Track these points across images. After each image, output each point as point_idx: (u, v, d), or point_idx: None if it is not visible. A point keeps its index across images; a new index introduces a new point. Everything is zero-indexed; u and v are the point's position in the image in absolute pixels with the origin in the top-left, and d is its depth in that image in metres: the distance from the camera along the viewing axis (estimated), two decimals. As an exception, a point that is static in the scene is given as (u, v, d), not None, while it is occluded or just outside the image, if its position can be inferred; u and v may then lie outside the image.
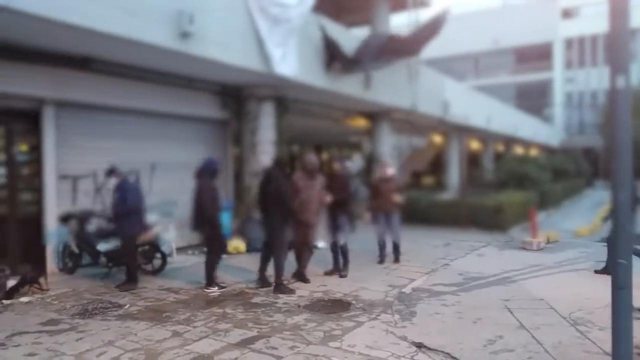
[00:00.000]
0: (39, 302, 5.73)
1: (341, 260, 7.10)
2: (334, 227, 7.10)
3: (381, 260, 7.89)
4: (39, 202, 7.15)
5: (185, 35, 6.88)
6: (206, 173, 6.35)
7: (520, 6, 42.90)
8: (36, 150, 7.11)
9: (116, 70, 7.68)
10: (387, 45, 10.98)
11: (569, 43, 42.82)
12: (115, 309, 5.44)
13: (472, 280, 6.78)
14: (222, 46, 7.63)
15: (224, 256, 8.31)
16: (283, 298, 5.86)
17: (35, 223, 7.11)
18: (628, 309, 2.79)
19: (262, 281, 6.42)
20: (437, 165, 21.79)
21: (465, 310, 5.37)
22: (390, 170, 8.13)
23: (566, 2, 42.15)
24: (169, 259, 7.37)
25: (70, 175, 7.42)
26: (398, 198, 7.85)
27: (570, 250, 9.11)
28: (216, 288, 6.21)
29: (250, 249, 8.66)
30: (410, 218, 10.04)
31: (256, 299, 5.82)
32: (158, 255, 7.17)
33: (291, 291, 6.08)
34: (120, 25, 6.10)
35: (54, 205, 7.15)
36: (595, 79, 40.53)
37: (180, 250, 8.44)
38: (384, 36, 11.29)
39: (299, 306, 5.51)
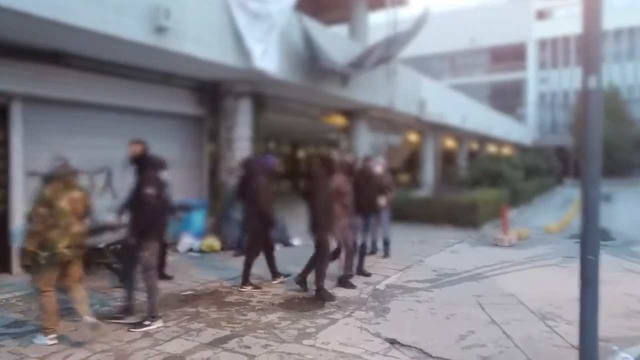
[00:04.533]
0: (2, 303, 5.55)
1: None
2: (365, 227, 7.22)
3: (371, 252, 8.01)
4: (5, 200, 6.93)
5: (160, 30, 6.75)
6: (262, 170, 6.35)
7: (496, 6, 43.58)
8: (3, 146, 6.89)
9: (89, 65, 7.49)
10: (385, 51, 11.29)
11: (542, 44, 43.75)
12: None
13: (445, 276, 6.87)
14: (199, 41, 7.52)
15: (198, 254, 8.26)
16: (257, 296, 5.82)
17: (1, 222, 6.89)
18: (595, 303, 2.86)
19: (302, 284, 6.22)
20: (413, 163, 21.99)
21: (438, 306, 5.44)
22: (379, 168, 7.83)
23: (540, 4, 43.01)
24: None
25: (39, 173, 7.19)
26: (383, 197, 7.70)
27: (541, 247, 9.32)
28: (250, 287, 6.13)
29: (225, 247, 8.58)
30: (396, 215, 10.06)
31: (230, 298, 5.76)
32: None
33: (331, 297, 5.69)
34: (93, 19, 5.93)
35: (21, 204, 6.92)
36: (567, 79, 41.52)
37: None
38: (384, 43, 11.51)
39: (273, 304, 5.49)
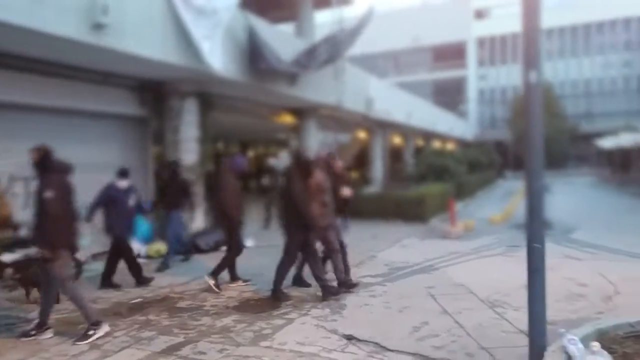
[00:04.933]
0: None
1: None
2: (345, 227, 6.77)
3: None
4: None
5: (98, 27, 6.42)
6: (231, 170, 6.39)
7: (437, 6, 44.93)
8: None
9: (22, 64, 7.03)
10: (331, 50, 11.31)
11: (481, 42, 45.57)
12: (23, 324, 4.98)
13: (397, 270, 7.00)
14: (140, 39, 7.23)
15: (145, 260, 7.95)
16: (211, 300, 5.68)
17: None
18: (543, 289, 2.98)
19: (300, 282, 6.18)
20: (362, 160, 22.27)
21: (392, 299, 5.52)
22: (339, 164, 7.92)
23: (478, 3, 44.75)
24: (85, 267, 6.87)
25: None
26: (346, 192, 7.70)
27: (486, 237, 9.69)
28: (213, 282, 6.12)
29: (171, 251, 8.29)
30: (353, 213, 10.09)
31: (182, 304, 5.59)
32: (71, 263, 6.65)
33: (287, 297, 5.63)
34: (25, 15, 5.56)
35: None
36: (505, 76, 43.45)
37: (99, 256, 7.93)
38: (328, 40, 11.51)
39: (227, 307, 5.37)
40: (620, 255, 7.71)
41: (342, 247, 6.26)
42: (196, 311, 5.27)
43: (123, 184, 6.64)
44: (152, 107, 9.40)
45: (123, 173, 6.66)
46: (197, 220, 9.29)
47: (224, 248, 8.65)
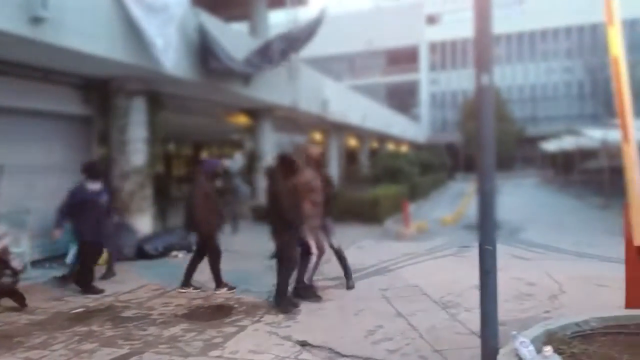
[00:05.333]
0: None
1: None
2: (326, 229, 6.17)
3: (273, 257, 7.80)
4: None
5: (37, 20, 6.02)
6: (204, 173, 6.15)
7: (391, 10, 45.69)
8: None
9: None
10: (284, 49, 11.17)
11: (433, 47, 46.74)
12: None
13: (353, 272, 6.93)
14: (83, 34, 6.84)
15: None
16: (158, 309, 5.43)
17: None
18: (494, 291, 2.99)
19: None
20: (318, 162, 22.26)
21: (347, 303, 5.47)
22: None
23: (430, 9, 45.89)
24: (21, 275, 6.43)
25: None
26: None
27: (439, 238, 9.86)
28: (225, 289, 6.02)
29: (120, 258, 7.89)
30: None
31: (127, 312, 5.30)
32: (7, 271, 6.21)
33: (295, 304, 5.30)
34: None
35: None
36: (455, 80, 44.76)
37: (37, 263, 7.47)
38: (280, 39, 11.36)
39: (176, 316, 5.14)
40: (565, 254, 8.03)
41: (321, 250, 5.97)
42: (142, 320, 5.02)
43: (95, 186, 6.30)
44: (98, 106, 8.95)
45: (94, 174, 6.33)
46: (145, 224, 8.93)
47: (174, 253, 8.43)
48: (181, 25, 8.50)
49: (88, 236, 6.17)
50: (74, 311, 5.39)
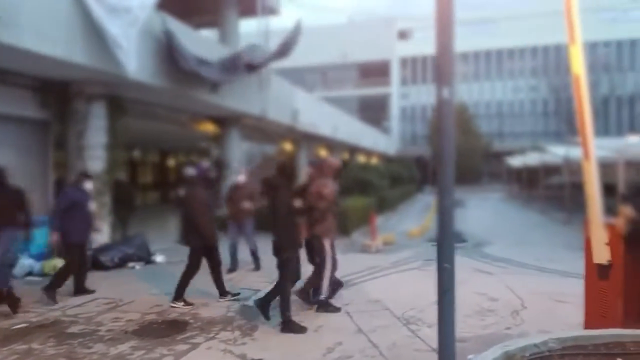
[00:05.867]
0: None
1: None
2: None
3: (232, 269, 7.59)
4: None
5: (-12, 19, 5.73)
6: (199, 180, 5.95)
7: (363, 24, 46.24)
8: None
9: None
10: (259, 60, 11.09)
11: (404, 62, 47.48)
12: None
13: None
14: (40, 35, 6.55)
15: (39, 279, 7.16)
16: (108, 324, 5.13)
17: None
18: (452, 310, 2.89)
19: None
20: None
21: (307, 318, 5.30)
22: (242, 178, 7.96)
23: (402, 24, 46.66)
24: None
25: None
26: (247, 205, 7.64)
27: (405, 251, 9.82)
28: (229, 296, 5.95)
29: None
30: (262, 226, 9.82)
31: (74, 328, 4.99)
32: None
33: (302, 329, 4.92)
34: None
35: None
36: (425, 95, 45.46)
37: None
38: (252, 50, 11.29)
39: (126, 332, 4.86)
40: (528, 269, 8.08)
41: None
42: (89, 337, 4.72)
43: (89, 185, 6.40)
44: (55, 109, 8.59)
45: (87, 173, 6.47)
46: (102, 233, 8.55)
47: (131, 264, 8.10)
48: (146, 29, 8.27)
49: (75, 237, 6.11)
50: (15, 327, 5.04)
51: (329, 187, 5.62)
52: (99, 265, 7.74)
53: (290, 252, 5.08)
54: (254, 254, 7.83)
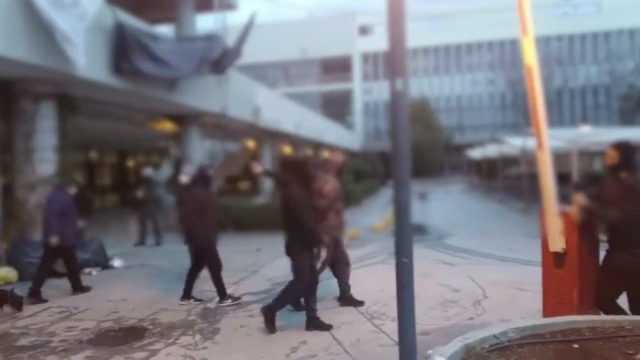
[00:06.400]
0: None
1: None
2: None
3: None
4: None
5: None
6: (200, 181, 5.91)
7: (324, 20, 46.28)
8: None
9: None
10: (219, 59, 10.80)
11: (365, 57, 47.78)
12: None
13: (279, 285, 6.64)
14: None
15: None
16: (61, 334, 4.88)
17: None
18: (412, 305, 2.87)
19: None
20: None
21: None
22: (184, 177, 7.33)
23: (362, 19, 46.93)
24: None
25: None
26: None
27: (369, 246, 9.83)
28: (230, 300, 5.79)
29: (25, 277, 7.12)
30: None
31: (24, 340, 4.72)
32: None
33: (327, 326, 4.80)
34: None
35: None
36: (388, 90, 45.84)
37: None
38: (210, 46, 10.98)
39: (80, 342, 4.64)
40: (490, 258, 8.24)
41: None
42: (40, 349, 4.48)
43: (73, 190, 6.61)
44: (0, 110, 8.13)
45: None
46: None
47: (87, 270, 7.76)
48: (97, 24, 7.94)
49: (67, 240, 6.22)
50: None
51: (330, 184, 5.42)
52: (52, 273, 7.36)
53: (304, 257, 4.78)
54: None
